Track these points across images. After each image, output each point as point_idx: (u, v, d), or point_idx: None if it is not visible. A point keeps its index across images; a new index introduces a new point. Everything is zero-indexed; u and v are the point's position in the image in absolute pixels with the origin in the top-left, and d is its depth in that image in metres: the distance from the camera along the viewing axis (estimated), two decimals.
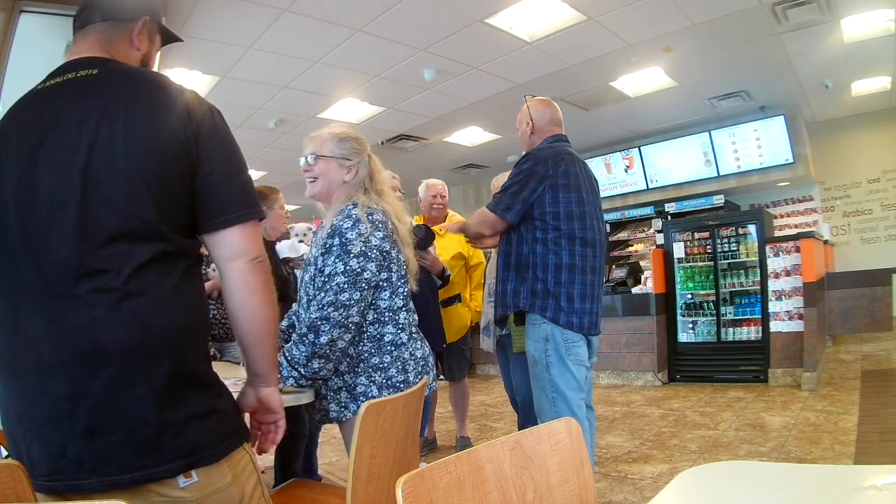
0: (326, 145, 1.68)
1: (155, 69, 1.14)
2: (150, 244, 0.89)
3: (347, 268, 1.52)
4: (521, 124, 2.38)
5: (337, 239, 1.55)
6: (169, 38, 1.17)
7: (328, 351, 1.51)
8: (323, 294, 1.51)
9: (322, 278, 1.54)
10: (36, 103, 0.96)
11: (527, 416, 2.80)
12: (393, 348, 1.59)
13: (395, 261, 1.63)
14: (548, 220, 2.13)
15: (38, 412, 0.86)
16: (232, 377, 1.75)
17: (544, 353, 2.12)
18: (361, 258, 1.53)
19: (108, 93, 0.93)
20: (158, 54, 1.15)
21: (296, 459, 2.64)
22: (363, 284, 1.53)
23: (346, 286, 1.51)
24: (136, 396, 0.86)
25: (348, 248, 1.53)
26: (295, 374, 1.51)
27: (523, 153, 2.33)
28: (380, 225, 1.60)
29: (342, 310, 1.50)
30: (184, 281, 0.94)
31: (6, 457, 0.92)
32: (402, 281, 1.66)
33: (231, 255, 0.97)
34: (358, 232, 1.54)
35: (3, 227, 0.91)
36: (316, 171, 1.67)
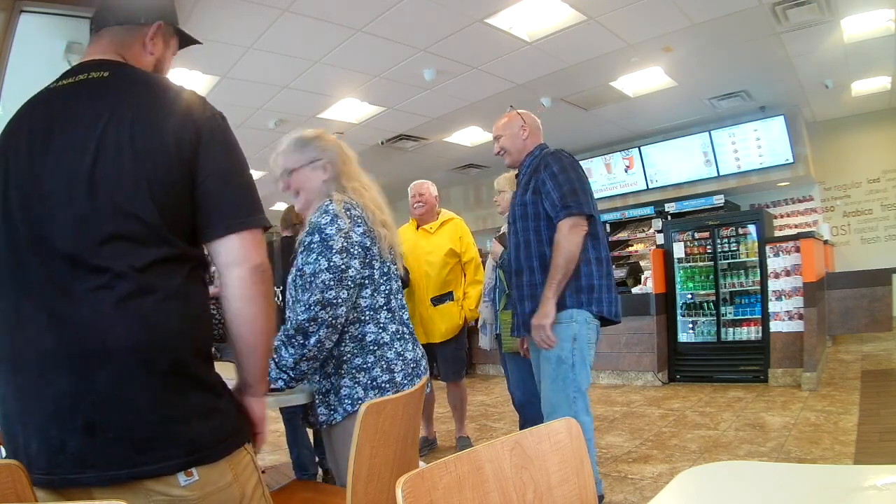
0: (292, 157, 1.64)
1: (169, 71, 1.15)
2: (154, 247, 0.90)
3: (331, 264, 1.47)
4: (512, 128, 2.36)
5: (317, 236, 1.50)
6: (186, 40, 1.17)
7: (317, 352, 1.48)
8: (309, 294, 1.47)
9: (306, 278, 1.49)
10: (47, 102, 0.97)
11: (526, 416, 2.80)
12: (375, 348, 1.55)
13: (376, 257, 1.58)
14: None
15: (39, 408, 0.87)
16: (232, 378, 1.75)
17: (571, 354, 2.13)
18: (344, 254, 1.49)
19: (118, 96, 0.94)
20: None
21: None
22: (349, 282, 1.49)
23: (331, 283, 1.46)
24: (137, 394, 0.86)
25: (329, 243, 1.48)
26: (284, 377, 1.48)
27: (526, 158, 2.34)
28: (359, 220, 1.55)
29: (329, 308, 1.46)
30: (188, 283, 0.94)
31: (6, 456, 0.92)
32: (385, 278, 1.60)
33: (230, 261, 0.95)
34: (338, 227, 1.50)
35: (9, 222, 0.91)
36: (294, 185, 1.64)
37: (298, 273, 1.53)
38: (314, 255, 1.49)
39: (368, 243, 1.55)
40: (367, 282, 1.55)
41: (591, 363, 2.21)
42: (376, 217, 1.61)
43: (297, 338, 1.46)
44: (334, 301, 1.46)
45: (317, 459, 2.94)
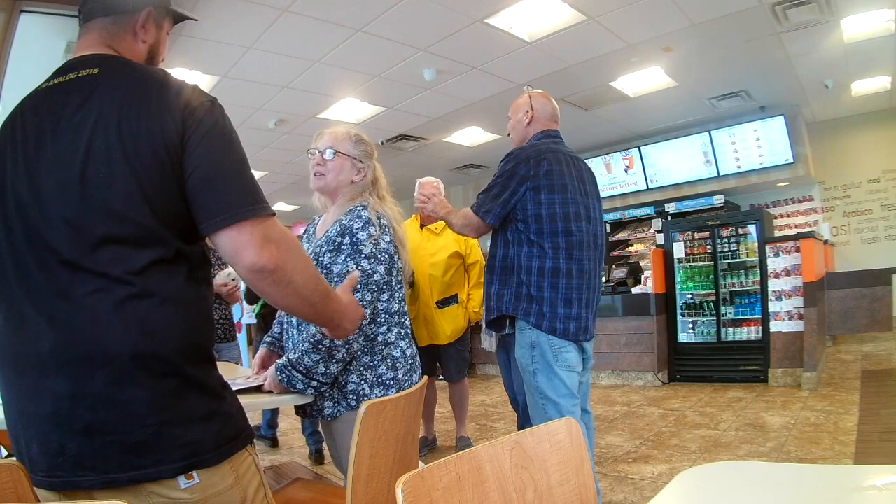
0: (344, 143, 1.70)
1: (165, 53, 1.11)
2: (150, 249, 0.89)
3: (359, 268, 1.53)
4: (518, 113, 2.29)
5: (347, 238, 1.56)
6: (181, 18, 1.14)
7: (345, 354, 1.51)
8: None
9: (332, 277, 1.55)
10: (39, 103, 0.95)
11: (527, 417, 2.80)
12: (384, 347, 1.61)
13: (395, 265, 1.65)
14: (530, 222, 2.05)
15: (39, 410, 0.87)
16: (233, 377, 1.76)
17: (531, 360, 2.06)
18: (372, 260, 1.55)
19: (107, 93, 0.92)
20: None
21: None
22: (374, 287, 1.55)
23: (359, 287, 1.51)
24: (135, 398, 0.86)
25: (359, 248, 1.55)
26: (314, 384, 1.50)
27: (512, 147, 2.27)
28: (386, 229, 1.62)
29: None
30: (187, 284, 0.93)
31: (6, 456, 0.92)
32: (400, 285, 1.68)
33: (229, 259, 0.93)
34: (368, 233, 1.57)
35: (7, 225, 0.91)
36: (329, 166, 1.68)
37: (324, 271, 1.57)
38: (343, 257, 1.55)
39: (393, 251, 1.62)
40: (386, 287, 1.61)
41: (573, 366, 2.08)
42: (399, 235, 1.68)
43: (324, 342, 1.48)
44: (360, 303, 1.50)
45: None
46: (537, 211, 2.05)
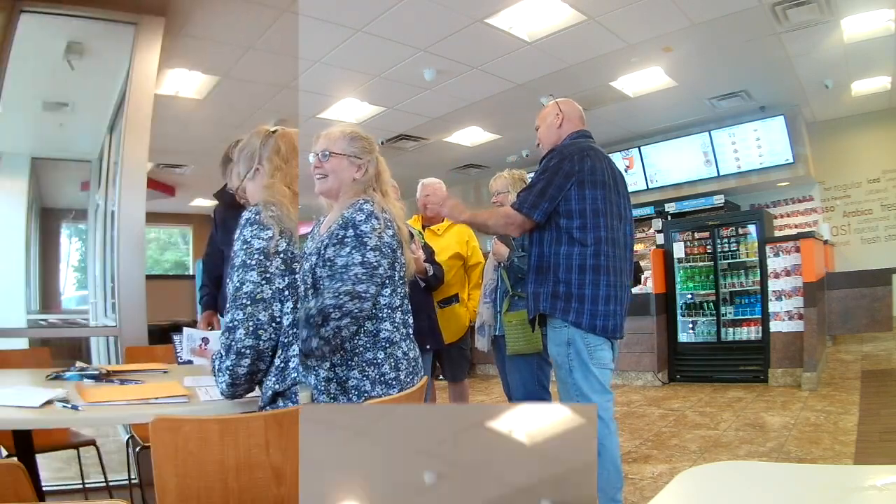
0: (339, 143, 1.70)
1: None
2: None
3: (365, 259, 1.53)
4: (548, 118, 2.32)
5: (351, 230, 1.56)
6: None
7: (331, 336, 1.50)
8: (340, 283, 1.51)
9: (336, 269, 1.54)
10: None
11: None
12: (388, 345, 1.60)
13: (398, 260, 1.65)
14: (574, 217, 2.06)
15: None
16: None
17: (567, 358, 2.06)
18: (377, 252, 1.55)
19: None
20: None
21: None
22: (378, 279, 1.55)
23: (364, 278, 1.51)
24: None
25: (364, 240, 1.54)
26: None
27: (545, 150, 2.29)
28: (389, 223, 1.62)
29: (357, 301, 1.50)
30: None
31: (7, 456, 0.92)
32: (402, 281, 1.68)
33: None
34: (372, 226, 1.56)
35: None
36: (327, 168, 1.69)
37: (327, 264, 1.57)
38: (347, 249, 1.55)
39: (396, 246, 1.63)
40: (388, 281, 1.61)
41: (607, 364, 2.10)
42: (402, 231, 1.69)
43: (316, 318, 1.48)
44: (363, 294, 1.51)
45: None
46: (581, 206, 2.06)
